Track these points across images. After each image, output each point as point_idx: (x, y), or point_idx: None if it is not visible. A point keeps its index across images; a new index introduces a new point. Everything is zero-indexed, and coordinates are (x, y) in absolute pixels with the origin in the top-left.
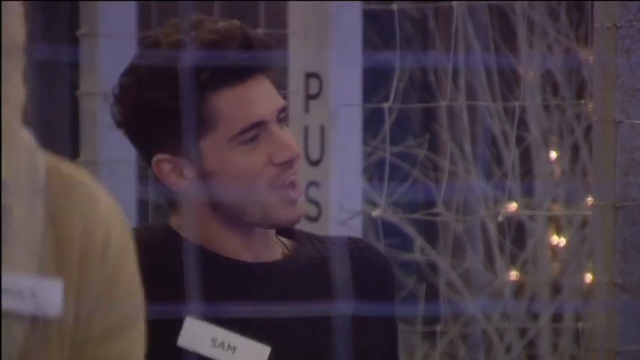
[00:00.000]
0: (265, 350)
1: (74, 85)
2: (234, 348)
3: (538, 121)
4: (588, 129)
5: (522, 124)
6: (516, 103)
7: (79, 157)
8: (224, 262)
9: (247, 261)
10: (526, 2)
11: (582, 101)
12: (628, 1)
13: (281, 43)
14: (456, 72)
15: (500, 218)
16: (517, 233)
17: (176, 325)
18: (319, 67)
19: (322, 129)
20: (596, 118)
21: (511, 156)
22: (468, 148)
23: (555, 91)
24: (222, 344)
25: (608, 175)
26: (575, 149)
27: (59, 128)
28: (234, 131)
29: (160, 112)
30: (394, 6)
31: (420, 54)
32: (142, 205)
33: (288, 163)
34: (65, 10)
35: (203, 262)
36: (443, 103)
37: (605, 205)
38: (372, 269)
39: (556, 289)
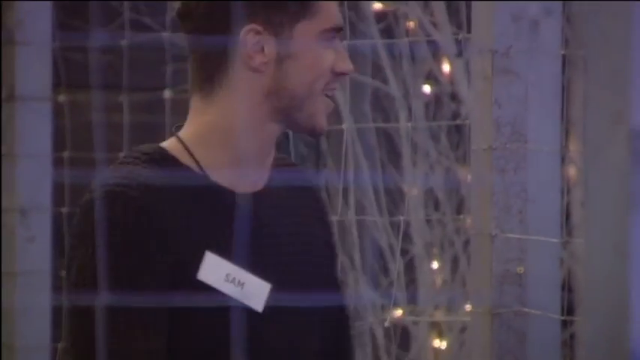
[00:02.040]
0: (267, 287)
1: None
2: (243, 284)
3: (421, 234)
4: (467, 242)
5: (407, 237)
6: (401, 218)
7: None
8: (229, 194)
9: (243, 192)
10: (410, 125)
11: (461, 216)
12: (502, 126)
13: None
14: (346, 189)
15: (386, 324)
16: (402, 337)
17: (196, 260)
18: None
19: None
20: (473, 232)
21: (396, 266)
22: (357, 259)
23: (437, 206)
24: (233, 280)
25: (484, 284)
26: (455, 260)
27: None
28: (326, 26)
29: None
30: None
31: (314, 172)
32: (57, 313)
33: (343, 75)
34: None
35: (207, 193)
36: (334, 218)
37: (483, 312)
38: (316, 196)
39: None
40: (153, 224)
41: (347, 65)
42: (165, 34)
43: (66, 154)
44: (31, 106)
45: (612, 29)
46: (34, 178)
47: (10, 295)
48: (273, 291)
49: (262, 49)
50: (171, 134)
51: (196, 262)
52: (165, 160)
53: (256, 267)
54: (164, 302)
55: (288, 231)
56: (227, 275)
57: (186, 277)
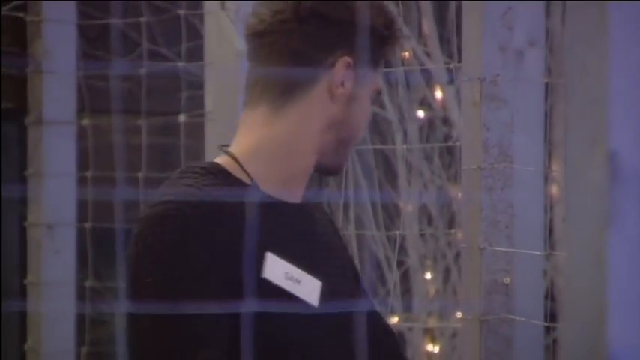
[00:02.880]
0: (318, 284)
1: (23, 218)
2: (299, 281)
3: (416, 247)
4: (458, 254)
5: (402, 249)
6: (397, 232)
7: (26, 278)
8: (280, 205)
9: (290, 202)
10: (405, 147)
11: (452, 231)
12: (490, 148)
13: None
14: (346, 206)
15: None
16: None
17: (258, 261)
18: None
19: None
20: (464, 245)
21: (393, 277)
22: None
23: (430, 222)
24: (291, 277)
25: (474, 293)
26: (447, 271)
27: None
28: (379, 84)
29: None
30: None
31: (316, 190)
32: (80, 320)
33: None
34: (15, 153)
35: (261, 203)
36: None
37: (472, 319)
38: (327, 210)
39: None
40: (215, 235)
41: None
42: (180, 64)
43: (89, 173)
44: (57, 129)
45: (590, 60)
46: (60, 195)
47: (36, 304)
48: (325, 291)
49: (344, 84)
50: (220, 151)
51: (257, 264)
52: (220, 173)
53: (310, 268)
54: (242, 308)
55: (326, 239)
56: (286, 273)
57: (251, 278)
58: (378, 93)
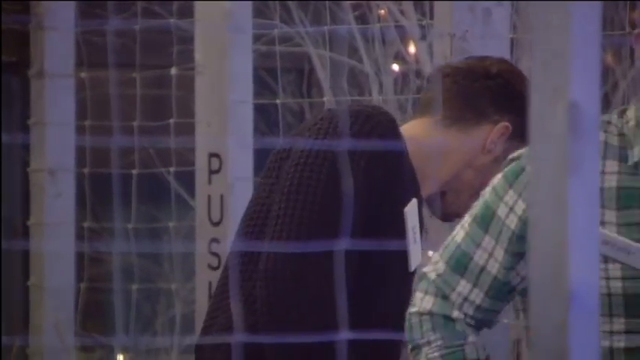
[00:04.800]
0: (420, 259)
1: (26, 164)
2: (416, 239)
3: None
4: None
5: None
6: None
7: (29, 219)
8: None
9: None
10: (381, 98)
11: None
12: None
13: (189, 129)
14: None
15: None
16: None
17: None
18: (220, 148)
19: (222, 197)
20: None
21: None
22: None
23: None
24: (415, 233)
25: (442, 232)
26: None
27: (14, 196)
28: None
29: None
30: (278, 101)
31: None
32: (80, 258)
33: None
34: (18, 104)
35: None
36: None
37: None
38: None
39: None
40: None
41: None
42: (172, 20)
43: (87, 122)
44: (57, 81)
45: (553, 16)
46: (60, 143)
47: (38, 243)
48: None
49: (494, 148)
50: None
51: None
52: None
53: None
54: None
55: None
56: (414, 227)
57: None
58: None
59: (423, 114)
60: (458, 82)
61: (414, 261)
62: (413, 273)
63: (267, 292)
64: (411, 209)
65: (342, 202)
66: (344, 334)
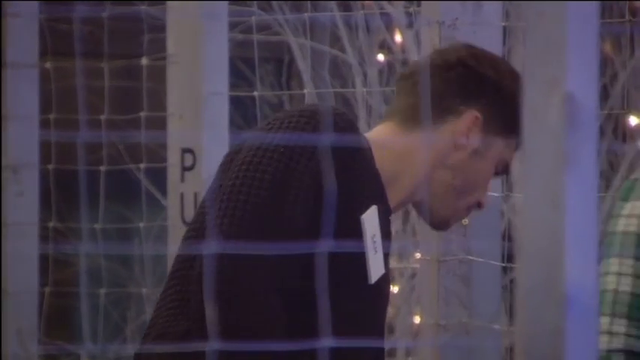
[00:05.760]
0: (382, 270)
1: None
2: (377, 253)
3: None
4: None
5: None
6: None
7: None
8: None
9: None
10: (365, 90)
11: None
12: None
13: (161, 123)
14: None
15: None
16: None
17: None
18: (193, 143)
19: (196, 196)
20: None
21: None
22: None
23: None
24: (375, 242)
25: (432, 235)
26: (406, 212)
27: None
28: (504, 164)
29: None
30: (255, 93)
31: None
32: (44, 260)
33: (479, 207)
34: None
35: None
36: None
37: (431, 259)
38: None
39: (390, 329)
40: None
41: (485, 202)
42: (143, 7)
43: (52, 116)
44: (20, 72)
45: (549, 4)
46: (23, 137)
47: (1, 245)
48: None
49: (468, 138)
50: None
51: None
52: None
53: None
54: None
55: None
56: (374, 235)
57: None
58: (505, 168)
59: (389, 118)
60: (417, 82)
61: (375, 272)
62: (375, 286)
63: (199, 298)
64: (369, 216)
65: (285, 203)
66: (281, 343)
